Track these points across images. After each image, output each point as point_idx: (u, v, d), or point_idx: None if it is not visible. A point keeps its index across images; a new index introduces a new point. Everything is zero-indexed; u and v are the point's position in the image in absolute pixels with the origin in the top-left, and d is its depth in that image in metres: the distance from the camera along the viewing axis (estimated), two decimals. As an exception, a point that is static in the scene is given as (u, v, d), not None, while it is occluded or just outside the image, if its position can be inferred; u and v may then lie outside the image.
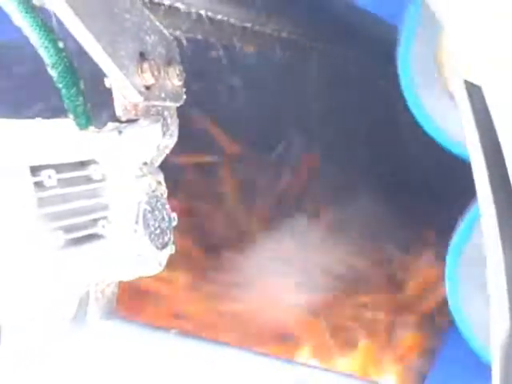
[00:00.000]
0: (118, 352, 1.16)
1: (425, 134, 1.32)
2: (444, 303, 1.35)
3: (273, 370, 1.06)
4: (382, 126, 1.85)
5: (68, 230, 0.73)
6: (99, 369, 1.18)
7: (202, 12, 1.55)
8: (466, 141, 0.60)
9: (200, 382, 1.08)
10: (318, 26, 1.67)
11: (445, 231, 1.33)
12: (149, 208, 0.86)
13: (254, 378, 1.05)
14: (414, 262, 1.88)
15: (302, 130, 2.00)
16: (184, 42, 1.59)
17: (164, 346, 1.12)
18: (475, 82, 0.58)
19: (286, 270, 1.81)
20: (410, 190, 1.88)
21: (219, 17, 1.58)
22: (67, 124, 0.82)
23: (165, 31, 0.97)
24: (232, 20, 1.62)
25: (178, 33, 1.56)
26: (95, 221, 0.78)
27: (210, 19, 1.57)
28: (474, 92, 0.58)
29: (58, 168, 0.73)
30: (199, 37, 1.61)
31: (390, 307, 1.75)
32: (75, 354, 1.18)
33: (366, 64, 1.73)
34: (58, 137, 0.77)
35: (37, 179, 0.69)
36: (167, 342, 1.12)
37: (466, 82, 0.58)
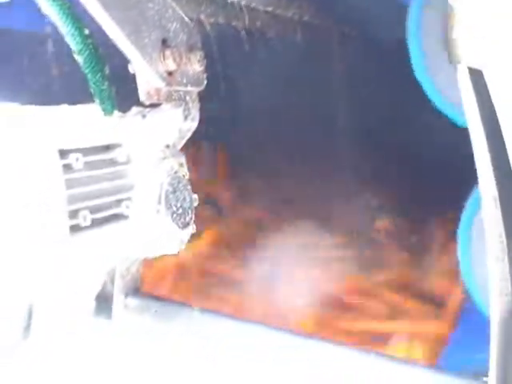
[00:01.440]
0: (142, 328, 1.20)
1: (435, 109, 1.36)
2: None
3: (296, 347, 1.10)
4: (402, 109, 1.86)
5: (94, 209, 0.77)
6: (124, 344, 1.23)
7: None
8: (468, 123, 0.62)
9: (220, 358, 1.12)
10: (337, 10, 1.69)
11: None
12: (171, 189, 0.89)
13: (271, 352, 1.09)
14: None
15: (325, 113, 2.01)
16: (207, 26, 1.62)
17: (187, 322, 1.16)
18: (477, 66, 0.61)
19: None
20: (423, 168, 1.89)
21: (243, 2, 1.61)
22: (93, 109, 0.86)
23: (186, 18, 1.01)
24: (253, 4, 1.65)
25: (201, 17, 1.60)
26: (120, 201, 0.82)
27: (233, 4, 1.60)
28: (477, 77, 0.61)
29: (85, 151, 0.76)
30: (221, 21, 1.64)
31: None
32: (101, 331, 1.23)
33: (385, 47, 1.75)
34: (84, 122, 0.81)
35: (65, 162, 0.72)
36: (191, 318, 1.17)
37: (468, 67, 0.61)
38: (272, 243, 1.81)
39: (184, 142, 1.04)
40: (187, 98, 1.02)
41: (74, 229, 0.73)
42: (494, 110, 0.62)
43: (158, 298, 1.24)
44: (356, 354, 1.05)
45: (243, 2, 1.63)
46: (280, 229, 1.84)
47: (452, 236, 1.42)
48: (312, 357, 1.07)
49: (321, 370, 1.04)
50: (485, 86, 0.61)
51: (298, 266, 1.77)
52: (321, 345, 1.07)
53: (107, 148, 0.82)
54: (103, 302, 1.22)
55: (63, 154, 0.72)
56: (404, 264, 1.85)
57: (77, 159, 0.74)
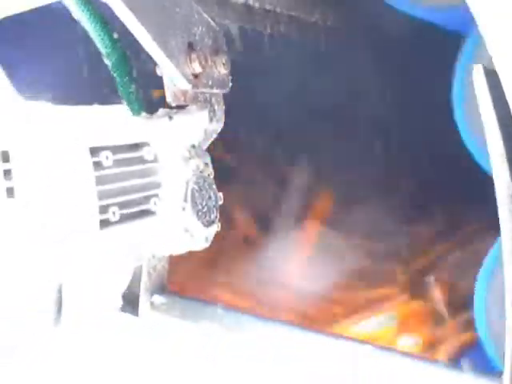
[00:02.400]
0: (168, 325, 1.23)
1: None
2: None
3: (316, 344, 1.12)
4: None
5: (123, 205, 0.80)
6: (150, 340, 1.25)
7: (250, 2, 1.61)
8: (484, 124, 0.64)
9: (241, 353, 1.14)
10: (361, 16, 1.71)
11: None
12: (196, 187, 0.92)
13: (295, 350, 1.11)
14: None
15: (348, 114, 2.01)
16: (233, 30, 1.65)
17: (211, 319, 1.19)
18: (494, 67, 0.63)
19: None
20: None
21: (267, 6, 1.63)
22: (121, 110, 0.89)
23: (212, 23, 1.03)
24: (278, 9, 1.67)
25: (227, 21, 1.62)
26: (147, 198, 0.85)
27: (258, 8, 1.63)
28: (492, 78, 0.63)
29: (115, 150, 0.80)
30: (247, 26, 1.66)
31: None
32: (128, 326, 1.26)
33: (408, 56, 1.75)
34: (114, 121, 0.84)
35: (95, 159, 0.76)
36: (214, 316, 1.19)
37: (484, 68, 0.63)
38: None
39: (209, 142, 1.07)
40: (213, 99, 1.05)
41: (104, 223, 0.76)
42: (510, 111, 0.64)
43: (183, 296, 1.27)
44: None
45: (268, 7, 1.66)
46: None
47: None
48: (334, 354, 1.09)
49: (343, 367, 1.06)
50: (500, 86, 0.63)
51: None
52: (340, 341, 1.09)
53: (136, 147, 0.85)
54: (130, 299, 1.25)
55: (94, 151, 0.76)
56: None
57: (107, 157, 0.77)
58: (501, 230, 0.67)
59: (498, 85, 0.63)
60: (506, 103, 0.63)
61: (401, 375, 1.03)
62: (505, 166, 0.66)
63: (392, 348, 1.10)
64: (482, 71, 0.64)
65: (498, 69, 0.62)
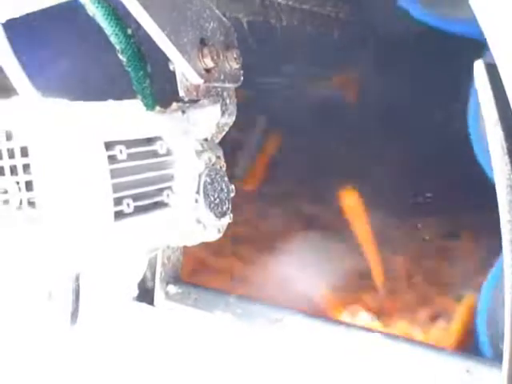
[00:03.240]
0: (182, 314, 1.26)
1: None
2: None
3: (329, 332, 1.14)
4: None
5: (137, 198, 0.82)
6: (165, 331, 1.28)
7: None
8: (484, 119, 0.66)
9: (255, 341, 1.17)
10: (374, 11, 1.72)
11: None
12: (209, 180, 0.95)
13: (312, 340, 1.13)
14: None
15: (363, 108, 2.02)
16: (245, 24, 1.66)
17: (224, 308, 1.21)
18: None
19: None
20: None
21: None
22: (136, 104, 0.91)
23: (223, 18, 1.06)
24: (290, 2, 1.69)
25: (239, 16, 1.64)
26: (161, 190, 0.88)
27: (271, 2, 1.65)
28: (493, 72, 0.65)
29: (129, 144, 0.82)
30: (260, 19, 1.68)
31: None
32: (143, 317, 1.29)
33: (420, 51, 1.75)
34: (128, 116, 0.86)
35: (110, 153, 0.78)
36: (228, 305, 1.22)
37: (484, 62, 0.65)
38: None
39: (222, 135, 1.09)
40: (225, 94, 1.07)
41: (119, 215, 0.79)
42: (510, 106, 0.65)
43: (197, 286, 1.30)
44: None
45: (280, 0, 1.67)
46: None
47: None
48: (344, 342, 1.12)
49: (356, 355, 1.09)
50: (501, 81, 0.65)
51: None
52: (350, 329, 1.11)
53: (149, 141, 0.87)
54: (145, 289, 1.28)
55: (109, 145, 0.78)
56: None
57: (121, 151, 0.80)
58: (500, 221, 0.69)
59: (498, 80, 0.65)
60: (506, 99, 0.65)
61: (408, 363, 1.06)
62: (506, 158, 0.68)
63: (400, 336, 1.12)
64: (482, 66, 0.66)
65: (498, 64, 0.64)
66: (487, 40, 0.62)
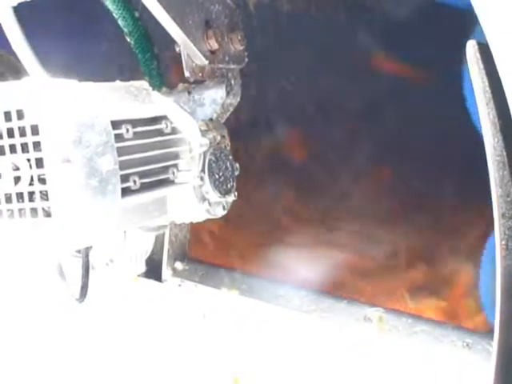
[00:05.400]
0: (189, 290, 1.29)
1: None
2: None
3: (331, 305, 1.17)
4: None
5: (143, 175, 0.85)
6: (171, 307, 1.32)
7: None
8: (475, 96, 0.68)
9: (260, 316, 1.20)
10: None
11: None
12: (213, 158, 0.97)
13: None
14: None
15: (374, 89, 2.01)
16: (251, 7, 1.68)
17: (231, 283, 1.25)
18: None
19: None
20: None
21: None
22: (143, 85, 0.94)
23: (228, 0, 1.08)
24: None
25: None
26: (166, 168, 0.90)
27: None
28: (485, 52, 0.67)
29: (135, 123, 0.85)
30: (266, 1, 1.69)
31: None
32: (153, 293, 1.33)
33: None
34: (134, 96, 0.89)
35: (117, 132, 0.81)
36: (234, 279, 1.25)
37: (477, 42, 0.67)
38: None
39: (227, 115, 1.12)
40: (229, 75, 1.10)
41: (126, 191, 0.82)
42: (501, 83, 0.68)
43: (204, 262, 1.33)
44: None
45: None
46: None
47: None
48: (346, 317, 1.15)
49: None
50: (492, 60, 0.67)
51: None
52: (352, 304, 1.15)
53: (155, 120, 0.90)
54: (154, 266, 1.31)
55: (115, 124, 0.81)
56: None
57: (127, 129, 0.83)
58: (492, 196, 0.71)
59: (490, 59, 0.67)
60: (498, 77, 0.67)
61: (408, 337, 1.09)
62: (498, 135, 0.70)
63: (400, 310, 1.15)
64: (475, 46, 0.68)
65: (490, 43, 0.66)
66: (478, 18, 0.65)
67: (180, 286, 1.30)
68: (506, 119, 0.70)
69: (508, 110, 0.68)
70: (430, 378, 1.05)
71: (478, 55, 0.68)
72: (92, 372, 1.41)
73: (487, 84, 0.70)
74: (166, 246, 1.29)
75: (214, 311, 1.26)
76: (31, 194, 0.76)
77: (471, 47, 0.68)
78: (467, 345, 1.06)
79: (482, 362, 1.01)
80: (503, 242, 0.72)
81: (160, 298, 1.32)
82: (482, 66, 0.69)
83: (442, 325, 1.12)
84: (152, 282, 1.31)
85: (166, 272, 1.31)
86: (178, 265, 1.32)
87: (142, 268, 1.20)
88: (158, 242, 1.28)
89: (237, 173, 1.03)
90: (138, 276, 1.30)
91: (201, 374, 1.26)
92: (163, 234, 1.27)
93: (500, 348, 0.75)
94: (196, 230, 1.39)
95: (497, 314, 0.72)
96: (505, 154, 0.72)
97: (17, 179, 0.77)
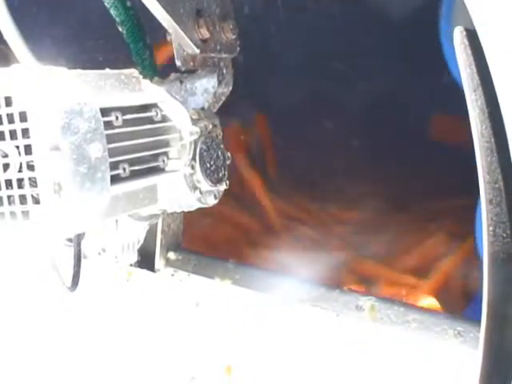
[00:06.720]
0: (182, 280, 1.30)
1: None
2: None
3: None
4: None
5: (133, 163, 0.85)
6: (165, 297, 1.32)
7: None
8: (463, 82, 0.69)
9: (251, 304, 1.20)
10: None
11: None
12: (205, 147, 0.97)
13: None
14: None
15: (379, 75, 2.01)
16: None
17: (223, 273, 1.25)
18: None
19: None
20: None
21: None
22: (133, 73, 0.94)
23: (220, -11, 1.08)
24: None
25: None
26: (156, 156, 0.90)
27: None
28: (472, 38, 0.67)
29: (124, 110, 0.85)
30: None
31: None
32: (144, 283, 1.33)
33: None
34: (124, 84, 0.89)
35: (106, 119, 0.81)
36: (226, 270, 1.25)
37: (465, 28, 0.67)
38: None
39: (219, 105, 1.12)
40: (221, 64, 1.10)
41: (115, 179, 0.81)
42: (489, 70, 0.68)
43: (196, 253, 1.33)
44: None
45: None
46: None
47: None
48: (340, 306, 1.15)
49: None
50: (480, 46, 0.67)
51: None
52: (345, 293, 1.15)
53: (145, 108, 0.90)
54: (146, 256, 1.31)
55: (105, 112, 0.81)
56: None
57: (117, 117, 0.83)
58: (479, 183, 0.72)
59: (478, 45, 0.67)
60: (486, 64, 0.68)
61: (401, 325, 1.09)
62: (487, 122, 0.71)
63: (393, 299, 1.16)
64: (463, 32, 0.68)
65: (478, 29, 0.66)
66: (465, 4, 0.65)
67: (173, 275, 1.31)
68: (494, 106, 0.70)
69: (496, 96, 0.68)
70: (422, 367, 1.06)
71: (466, 41, 0.68)
72: (85, 362, 1.41)
73: (475, 71, 0.70)
74: (159, 236, 1.30)
75: (206, 301, 1.26)
76: (20, 180, 0.76)
77: (459, 33, 0.68)
78: (458, 333, 1.06)
79: (474, 350, 1.01)
80: (490, 228, 0.72)
81: (153, 287, 1.32)
82: (469, 52, 0.69)
83: (433, 313, 1.13)
84: (145, 272, 1.32)
85: (158, 262, 1.31)
86: (171, 255, 1.32)
87: (135, 257, 1.20)
88: (151, 232, 1.29)
89: (228, 162, 1.03)
90: (131, 266, 1.31)
91: (194, 362, 1.27)
92: (156, 224, 1.27)
93: (487, 336, 0.75)
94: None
95: (484, 300, 0.73)
96: (493, 140, 0.72)
97: (5, 166, 0.76)
